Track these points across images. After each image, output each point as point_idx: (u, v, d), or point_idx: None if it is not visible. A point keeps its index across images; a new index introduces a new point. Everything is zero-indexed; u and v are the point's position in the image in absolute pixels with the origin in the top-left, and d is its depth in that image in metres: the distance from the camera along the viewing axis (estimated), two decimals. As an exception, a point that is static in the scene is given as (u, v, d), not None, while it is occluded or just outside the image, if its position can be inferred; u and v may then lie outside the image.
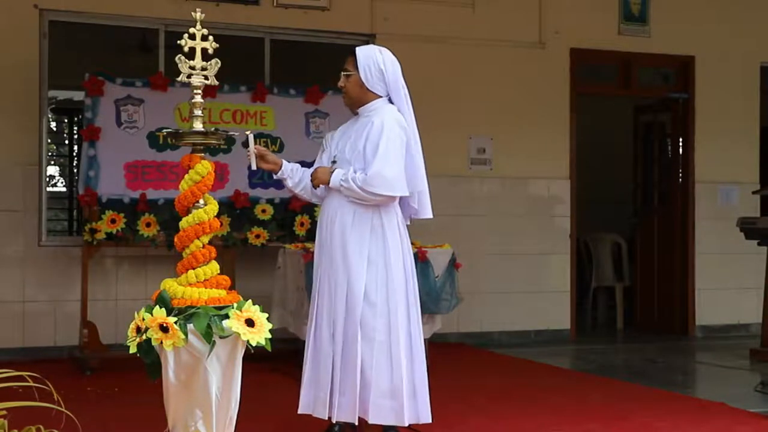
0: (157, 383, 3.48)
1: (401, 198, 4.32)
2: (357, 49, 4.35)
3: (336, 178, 4.27)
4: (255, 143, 4.34)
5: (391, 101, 4.35)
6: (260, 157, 4.40)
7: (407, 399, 4.23)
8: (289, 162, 4.61)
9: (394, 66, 4.33)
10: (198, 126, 3.62)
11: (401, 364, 4.22)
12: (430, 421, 4.37)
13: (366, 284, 4.23)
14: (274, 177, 4.54)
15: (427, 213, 4.44)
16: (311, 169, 4.49)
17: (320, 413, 4.28)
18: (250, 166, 4.38)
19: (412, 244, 6.81)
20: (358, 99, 4.36)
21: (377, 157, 4.14)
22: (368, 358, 4.17)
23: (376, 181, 4.12)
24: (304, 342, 6.89)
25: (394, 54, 4.40)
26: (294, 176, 4.48)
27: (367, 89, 4.31)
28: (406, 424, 4.31)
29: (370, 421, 4.25)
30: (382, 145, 4.14)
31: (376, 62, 4.28)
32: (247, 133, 4.32)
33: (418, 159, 4.29)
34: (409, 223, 4.49)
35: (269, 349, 3.39)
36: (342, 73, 4.40)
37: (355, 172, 4.23)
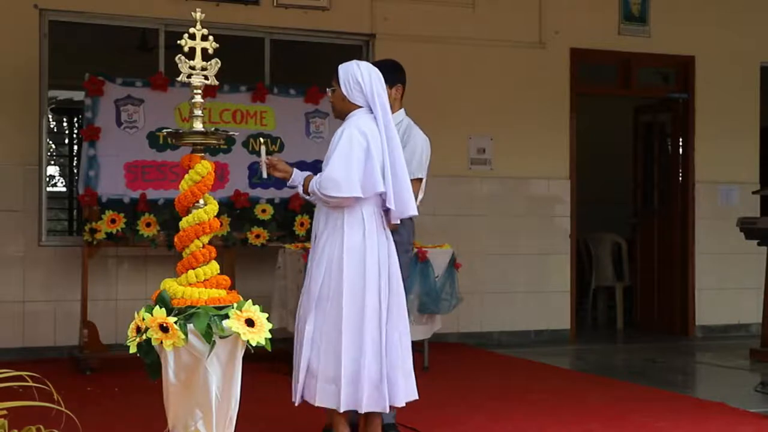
0: (157, 383, 3.47)
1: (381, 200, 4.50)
2: (339, 66, 4.61)
3: (311, 183, 4.52)
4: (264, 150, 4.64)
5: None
6: (271, 166, 4.68)
7: (368, 387, 4.40)
8: (293, 166, 4.81)
9: (371, 77, 4.54)
10: (198, 126, 3.62)
11: (359, 352, 4.38)
12: (385, 409, 4.48)
13: (323, 281, 4.44)
14: (287, 185, 4.75)
15: (409, 211, 4.57)
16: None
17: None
18: (259, 172, 4.71)
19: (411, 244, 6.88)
20: (341, 111, 4.63)
21: (329, 162, 4.40)
22: (315, 349, 4.43)
23: (325, 184, 4.35)
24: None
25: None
26: (301, 183, 4.68)
27: (349, 101, 4.55)
28: (342, 409, 4.42)
29: (316, 404, 4.48)
30: (337, 150, 4.40)
31: (354, 76, 4.53)
32: (261, 143, 4.77)
33: (377, 162, 4.42)
34: (398, 222, 4.61)
35: (269, 349, 3.39)
36: (327, 89, 4.70)
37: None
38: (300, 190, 4.66)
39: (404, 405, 4.58)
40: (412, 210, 4.58)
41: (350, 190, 4.35)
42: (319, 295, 4.45)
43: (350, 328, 4.38)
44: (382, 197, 4.47)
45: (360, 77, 4.52)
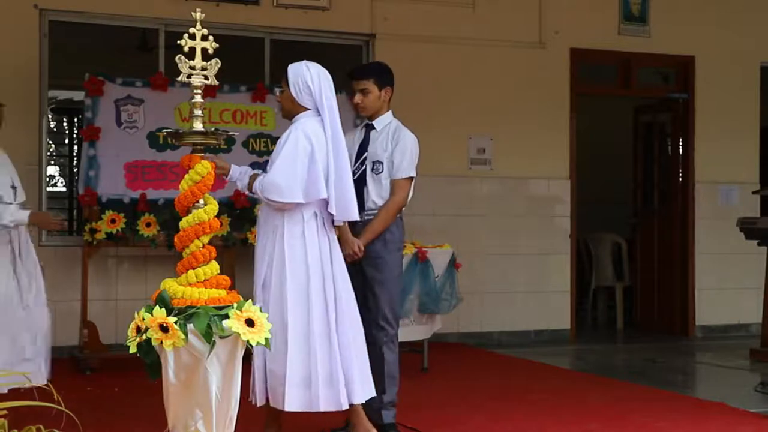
0: (157, 383, 3.48)
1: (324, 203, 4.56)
2: (289, 66, 4.63)
3: (255, 184, 4.55)
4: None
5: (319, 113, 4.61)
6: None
7: (311, 386, 4.43)
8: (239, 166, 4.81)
9: (320, 80, 4.58)
10: (198, 126, 3.62)
11: (308, 354, 4.41)
12: (341, 408, 4.50)
13: (264, 281, 4.49)
14: (226, 179, 4.76)
15: (351, 216, 4.63)
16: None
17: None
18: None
19: (411, 244, 6.90)
20: (289, 112, 4.66)
21: (273, 166, 4.45)
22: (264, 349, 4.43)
23: (267, 188, 4.40)
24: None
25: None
26: (243, 179, 4.68)
27: (298, 103, 4.58)
28: (286, 409, 4.44)
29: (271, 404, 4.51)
30: (282, 154, 4.44)
31: (303, 78, 4.57)
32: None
33: (321, 167, 4.46)
34: (342, 224, 4.69)
35: (269, 348, 3.39)
36: (276, 89, 4.72)
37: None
38: (239, 185, 4.68)
39: (363, 402, 4.62)
40: (354, 215, 4.64)
41: (292, 196, 4.39)
42: (263, 288, 4.50)
43: (297, 329, 4.39)
44: (325, 200, 4.50)
45: (309, 80, 4.56)
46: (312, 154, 4.43)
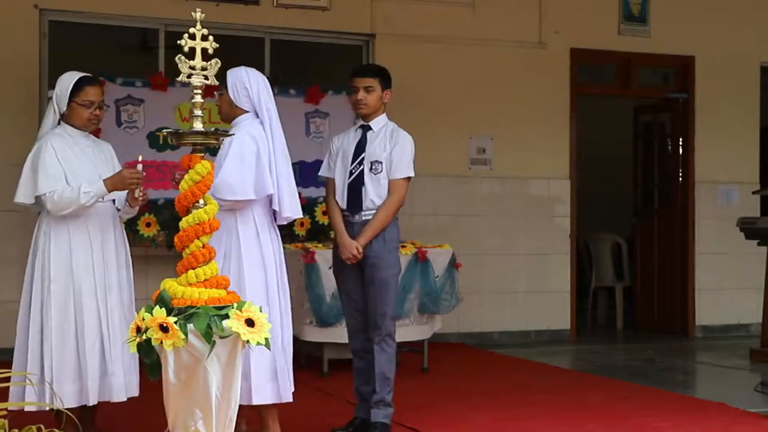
0: (157, 383, 3.47)
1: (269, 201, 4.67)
2: (228, 71, 4.72)
3: None
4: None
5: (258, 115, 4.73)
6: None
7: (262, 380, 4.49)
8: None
9: (258, 84, 4.73)
10: (198, 126, 3.62)
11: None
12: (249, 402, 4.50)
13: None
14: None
15: (296, 213, 4.75)
16: None
17: None
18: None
19: (411, 244, 6.90)
20: (228, 115, 4.77)
21: (222, 167, 4.55)
22: None
23: (219, 188, 4.45)
24: (303, 342, 6.93)
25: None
26: None
27: (236, 106, 4.69)
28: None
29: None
30: (229, 155, 4.56)
31: (242, 82, 4.70)
32: (140, 158, 4.82)
33: (266, 166, 4.59)
34: (284, 223, 4.79)
35: (269, 349, 3.39)
36: (215, 92, 4.81)
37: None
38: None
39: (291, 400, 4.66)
40: (298, 212, 4.74)
41: (244, 193, 4.52)
42: None
43: None
44: (269, 198, 4.63)
45: (247, 83, 4.69)
46: (258, 153, 4.57)
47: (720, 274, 9.62)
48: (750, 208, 9.43)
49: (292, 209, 4.69)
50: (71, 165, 4.61)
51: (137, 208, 4.89)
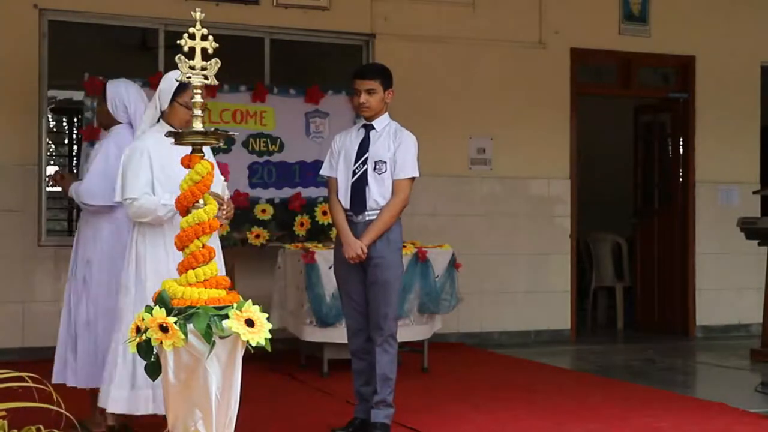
0: (157, 383, 3.47)
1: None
2: (108, 83, 5.05)
3: (71, 188, 4.96)
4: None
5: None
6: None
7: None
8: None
9: (137, 102, 4.97)
10: (198, 126, 3.61)
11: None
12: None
13: (86, 280, 4.84)
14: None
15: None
16: None
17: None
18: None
19: (411, 244, 6.91)
20: (105, 124, 5.08)
21: (89, 172, 4.84)
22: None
23: (83, 193, 4.78)
24: (303, 342, 6.93)
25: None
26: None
27: (113, 117, 4.97)
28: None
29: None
30: (96, 162, 4.85)
31: (121, 99, 4.96)
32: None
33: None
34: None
35: (269, 349, 3.39)
36: (93, 102, 5.19)
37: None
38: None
39: None
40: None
41: (105, 198, 4.75)
42: (86, 290, 4.86)
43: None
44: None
45: (126, 101, 4.96)
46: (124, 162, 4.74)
47: (720, 274, 9.62)
48: (750, 208, 9.42)
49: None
50: (167, 169, 4.41)
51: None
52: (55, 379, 4.88)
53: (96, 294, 4.84)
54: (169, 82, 4.56)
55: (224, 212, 4.44)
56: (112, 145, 4.82)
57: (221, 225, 4.53)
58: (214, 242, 4.49)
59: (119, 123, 4.93)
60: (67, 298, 5.01)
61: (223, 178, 4.70)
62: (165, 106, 4.58)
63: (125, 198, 4.46)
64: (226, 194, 4.68)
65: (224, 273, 4.39)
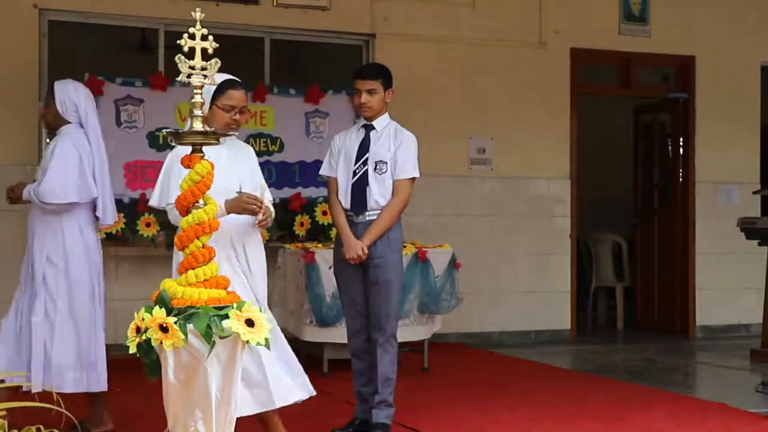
0: (157, 383, 3.47)
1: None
2: (55, 83, 5.06)
3: (25, 191, 4.97)
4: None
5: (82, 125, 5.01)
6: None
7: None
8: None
9: (86, 101, 5.04)
10: (198, 126, 3.61)
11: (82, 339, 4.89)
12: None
13: (46, 278, 4.92)
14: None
15: (113, 219, 5.09)
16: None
17: None
18: None
19: (411, 244, 6.91)
20: (53, 124, 5.07)
21: (47, 173, 4.86)
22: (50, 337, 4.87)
23: (43, 192, 4.82)
24: (303, 342, 6.92)
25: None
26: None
27: (62, 117, 4.98)
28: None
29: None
30: (53, 161, 4.88)
31: (71, 98, 4.99)
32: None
33: (89, 172, 4.91)
34: (105, 225, 5.15)
35: (269, 349, 3.39)
36: (40, 102, 5.21)
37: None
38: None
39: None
40: (114, 217, 5.09)
41: (66, 196, 4.82)
42: (46, 288, 4.93)
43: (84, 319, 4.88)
44: (94, 203, 4.95)
45: (76, 100, 4.99)
46: (80, 159, 4.87)
47: (720, 274, 9.62)
48: (750, 208, 9.42)
49: (112, 215, 5.04)
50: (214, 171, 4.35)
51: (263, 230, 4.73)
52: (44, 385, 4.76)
53: (57, 293, 4.88)
54: (209, 86, 4.49)
55: (262, 218, 4.37)
56: (70, 145, 4.87)
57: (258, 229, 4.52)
58: (258, 251, 4.51)
59: (68, 123, 4.96)
60: (20, 304, 5.00)
61: (263, 182, 4.67)
62: (206, 110, 4.45)
63: (167, 203, 4.40)
64: (267, 198, 4.59)
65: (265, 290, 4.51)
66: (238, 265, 4.39)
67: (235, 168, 4.48)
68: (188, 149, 4.17)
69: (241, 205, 4.32)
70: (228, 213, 4.29)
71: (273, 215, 4.57)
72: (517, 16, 9.03)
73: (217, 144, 3.85)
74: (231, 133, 4.40)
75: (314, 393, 4.60)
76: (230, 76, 4.53)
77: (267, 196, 4.63)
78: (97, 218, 4.98)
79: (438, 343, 7.77)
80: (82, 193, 4.85)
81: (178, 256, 3.97)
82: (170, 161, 4.44)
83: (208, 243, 3.53)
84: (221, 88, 4.44)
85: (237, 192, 4.38)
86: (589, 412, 5.70)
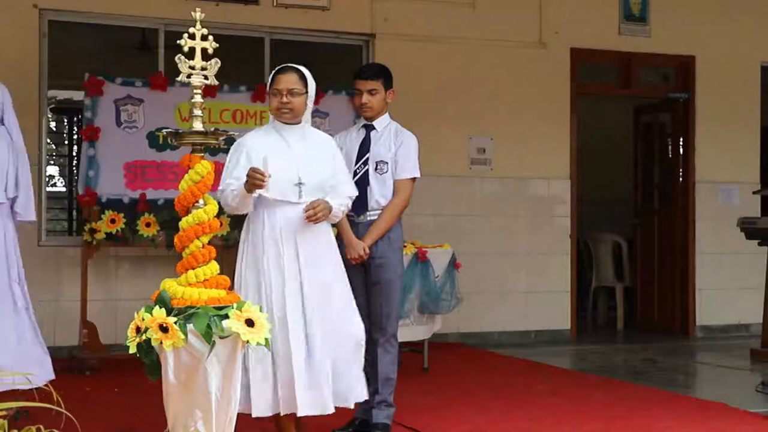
0: (157, 383, 3.47)
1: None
2: None
3: None
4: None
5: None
6: None
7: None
8: None
9: (5, 98, 5.24)
10: (198, 126, 3.62)
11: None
12: None
13: None
14: None
15: (27, 216, 5.21)
16: None
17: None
18: None
19: (411, 244, 6.91)
20: None
21: None
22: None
23: None
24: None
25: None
26: None
27: None
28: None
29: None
30: None
31: None
32: None
33: (2, 172, 5.02)
34: (17, 223, 5.24)
35: (269, 348, 3.39)
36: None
37: None
38: None
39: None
40: (33, 215, 5.24)
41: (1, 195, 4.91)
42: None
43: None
44: (12, 201, 5.07)
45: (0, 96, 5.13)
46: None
47: (720, 274, 9.62)
48: (750, 208, 9.42)
49: (27, 212, 5.16)
50: (268, 162, 4.09)
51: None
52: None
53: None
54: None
55: (311, 212, 4.23)
56: (3, 144, 4.99)
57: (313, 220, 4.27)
58: (332, 256, 4.42)
59: None
60: None
61: (342, 175, 4.52)
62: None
63: (220, 189, 4.30)
64: (343, 194, 4.45)
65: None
66: (284, 257, 4.31)
67: (307, 155, 4.37)
68: (258, 138, 4.18)
69: (249, 180, 4.12)
70: (249, 191, 4.12)
71: (330, 210, 4.33)
72: (517, 16, 9.03)
73: (217, 144, 3.85)
74: (283, 120, 4.31)
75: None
76: (287, 64, 4.49)
77: (342, 191, 4.48)
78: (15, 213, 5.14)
79: (438, 343, 7.77)
80: (8, 190, 5.01)
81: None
82: (231, 151, 4.38)
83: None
84: (273, 75, 4.39)
85: (295, 184, 4.27)
86: (589, 412, 5.70)
